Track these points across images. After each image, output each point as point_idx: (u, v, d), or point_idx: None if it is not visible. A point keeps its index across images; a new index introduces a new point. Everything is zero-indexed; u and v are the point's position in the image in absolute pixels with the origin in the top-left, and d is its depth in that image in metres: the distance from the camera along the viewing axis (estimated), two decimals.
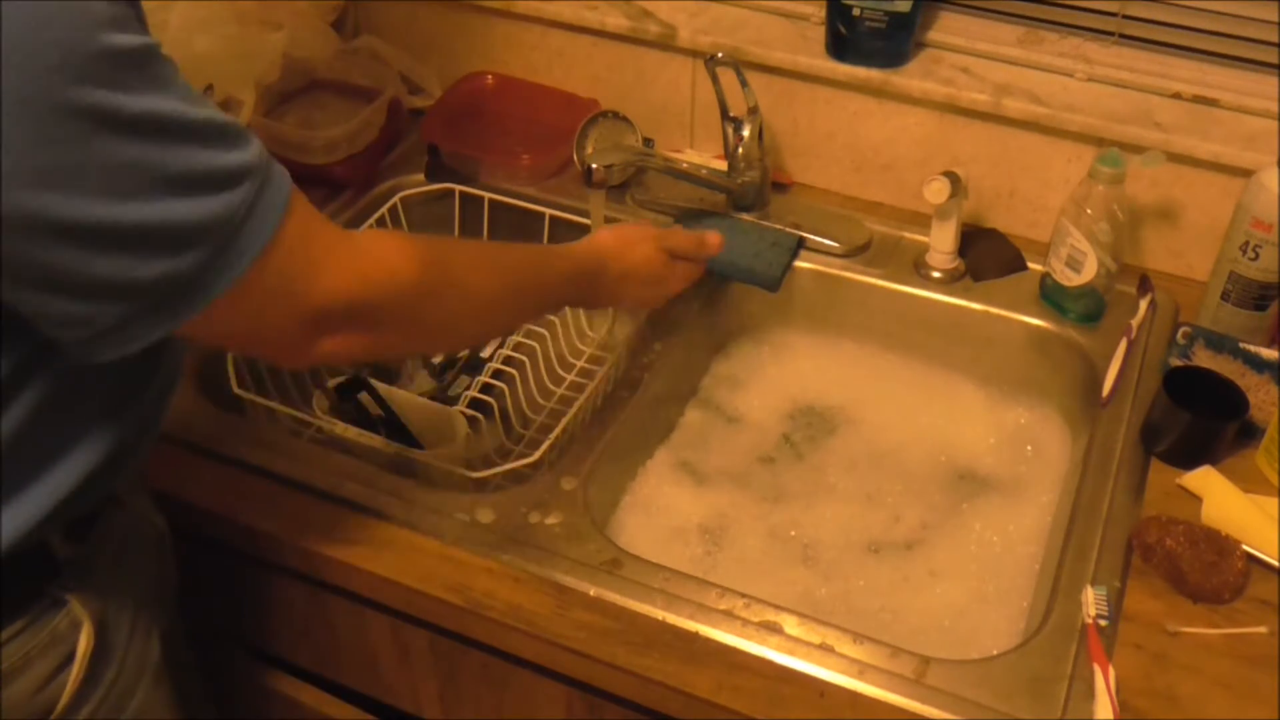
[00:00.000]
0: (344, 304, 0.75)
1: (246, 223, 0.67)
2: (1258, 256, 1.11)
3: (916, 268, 1.27)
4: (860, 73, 1.29)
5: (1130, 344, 1.16)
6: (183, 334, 0.71)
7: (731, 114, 1.28)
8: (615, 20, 1.37)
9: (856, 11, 1.26)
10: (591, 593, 0.93)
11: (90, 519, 0.82)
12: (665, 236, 1.12)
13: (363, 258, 0.77)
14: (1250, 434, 1.05)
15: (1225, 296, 1.15)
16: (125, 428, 0.80)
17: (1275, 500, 0.99)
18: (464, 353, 1.26)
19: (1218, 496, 0.99)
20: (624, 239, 1.08)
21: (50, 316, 0.66)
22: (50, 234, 0.61)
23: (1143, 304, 1.21)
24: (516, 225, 1.38)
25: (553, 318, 1.32)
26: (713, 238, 1.18)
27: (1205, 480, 1.01)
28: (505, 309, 0.95)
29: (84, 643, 0.81)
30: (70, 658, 0.80)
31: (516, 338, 1.24)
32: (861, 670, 0.88)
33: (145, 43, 0.63)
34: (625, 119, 1.37)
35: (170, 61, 0.65)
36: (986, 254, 1.28)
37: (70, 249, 0.62)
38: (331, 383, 1.15)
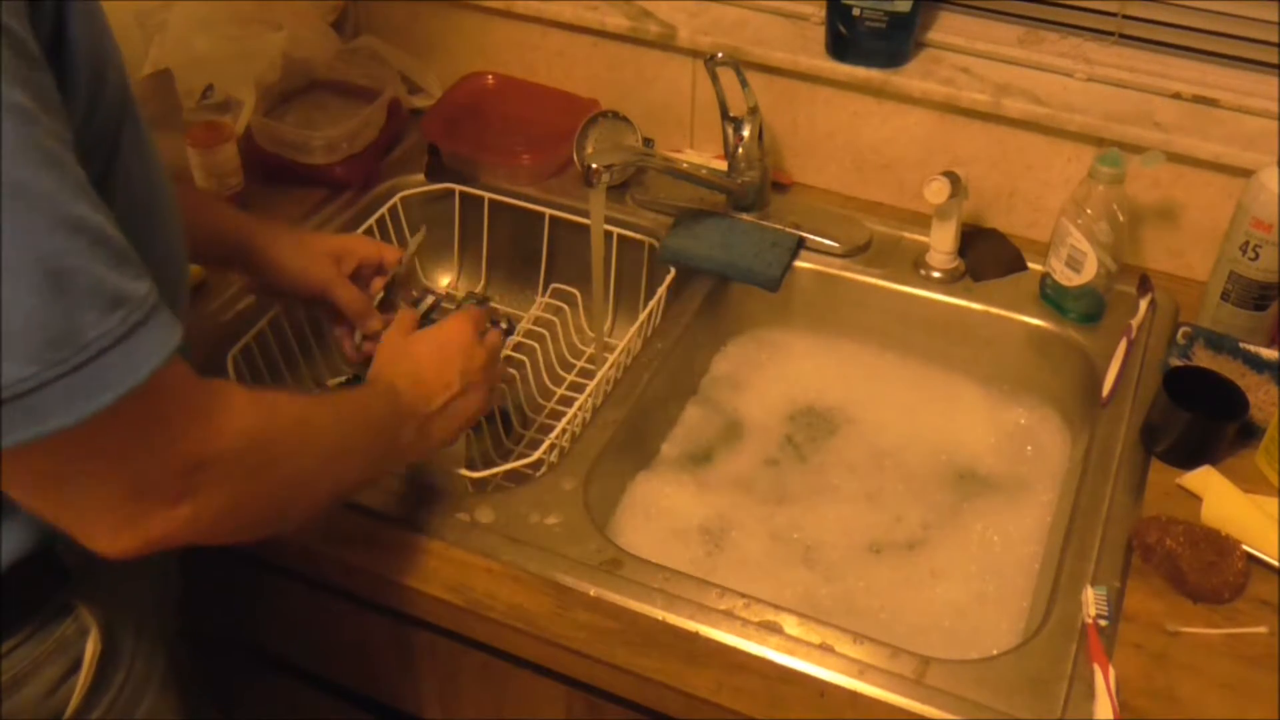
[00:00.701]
0: (187, 463, 0.67)
1: (102, 358, 0.60)
2: (1258, 256, 1.11)
3: (916, 268, 1.27)
4: (860, 73, 1.29)
5: (1130, 344, 1.16)
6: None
7: (731, 114, 1.28)
8: (615, 20, 1.37)
9: (856, 11, 1.26)
10: (591, 593, 0.93)
11: None
12: (463, 320, 0.99)
13: (214, 411, 0.69)
14: (1250, 434, 1.05)
15: (1225, 296, 1.15)
16: None
17: (1275, 500, 0.99)
18: None
19: (1218, 496, 0.99)
20: (388, 356, 0.95)
21: None
22: None
23: (1143, 304, 1.21)
24: (517, 225, 1.38)
25: (552, 317, 1.32)
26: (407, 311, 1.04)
27: (1205, 480, 1.01)
28: (343, 446, 0.83)
29: (91, 648, 0.80)
30: (78, 664, 0.80)
31: (516, 338, 1.24)
32: (861, 670, 0.88)
33: (47, 118, 0.58)
34: (625, 119, 1.37)
35: (73, 155, 0.60)
36: (986, 254, 1.28)
37: None
38: (332, 382, 1.15)
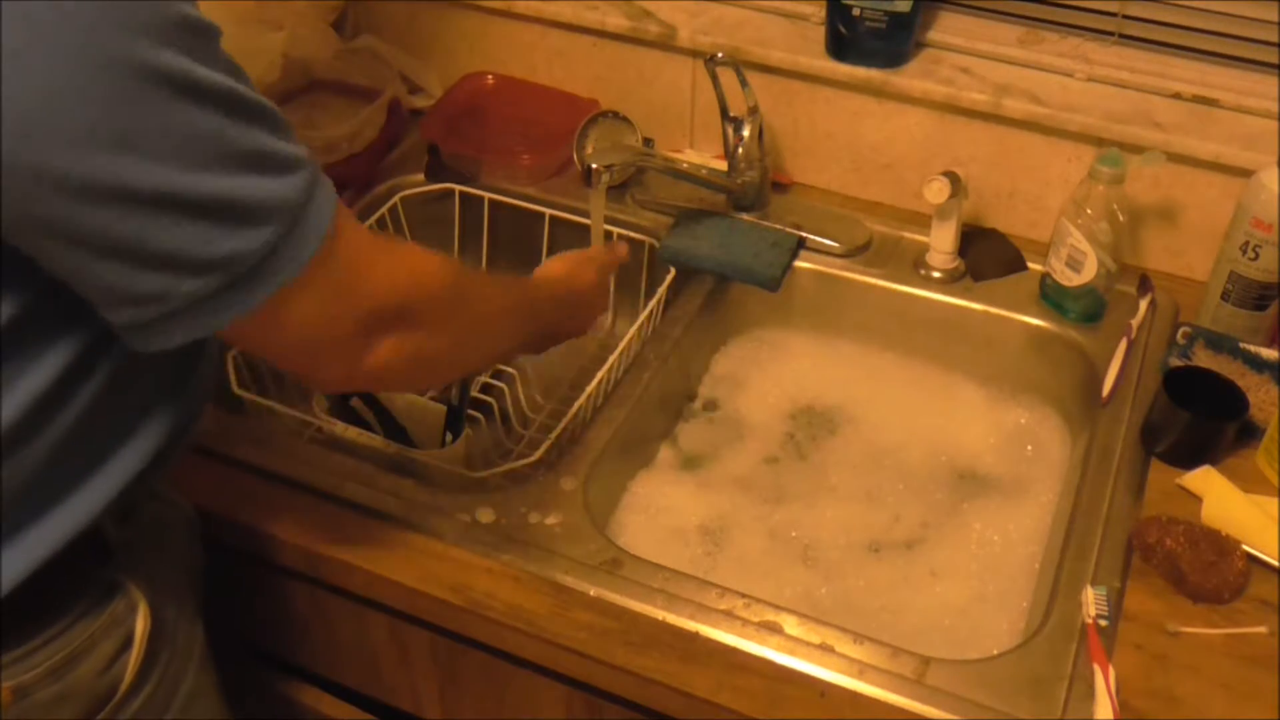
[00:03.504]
0: (398, 301, 0.76)
1: (307, 210, 0.68)
2: (1258, 256, 1.11)
3: (916, 268, 1.27)
4: (860, 73, 1.29)
5: (1130, 344, 1.16)
6: (243, 338, 0.72)
7: (731, 114, 1.28)
8: (615, 20, 1.37)
9: (856, 11, 1.26)
10: (591, 593, 0.93)
11: (132, 503, 0.84)
12: (594, 259, 1.12)
13: (408, 257, 0.79)
14: (1250, 434, 1.05)
15: (1225, 296, 1.15)
16: (177, 417, 0.81)
17: (1275, 500, 0.99)
18: None
19: (1218, 496, 0.99)
20: (572, 265, 1.09)
21: (121, 293, 0.66)
22: (126, 200, 0.61)
23: (1143, 304, 1.21)
24: (517, 225, 1.38)
25: None
26: (620, 247, 1.18)
27: (1205, 480, 1.01)
28: (513, 321, 0.96)
29: (141, 624, 0.83)
30: (129, 640, 0.82)
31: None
32: (861, 670, 0.88)
33: (213, 25, 0.65)
34: (625, 119, 1.37)
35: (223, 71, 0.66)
36: (986, 254, 1.28)
37: (144, 217, 0.62)
38: None
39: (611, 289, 1.15)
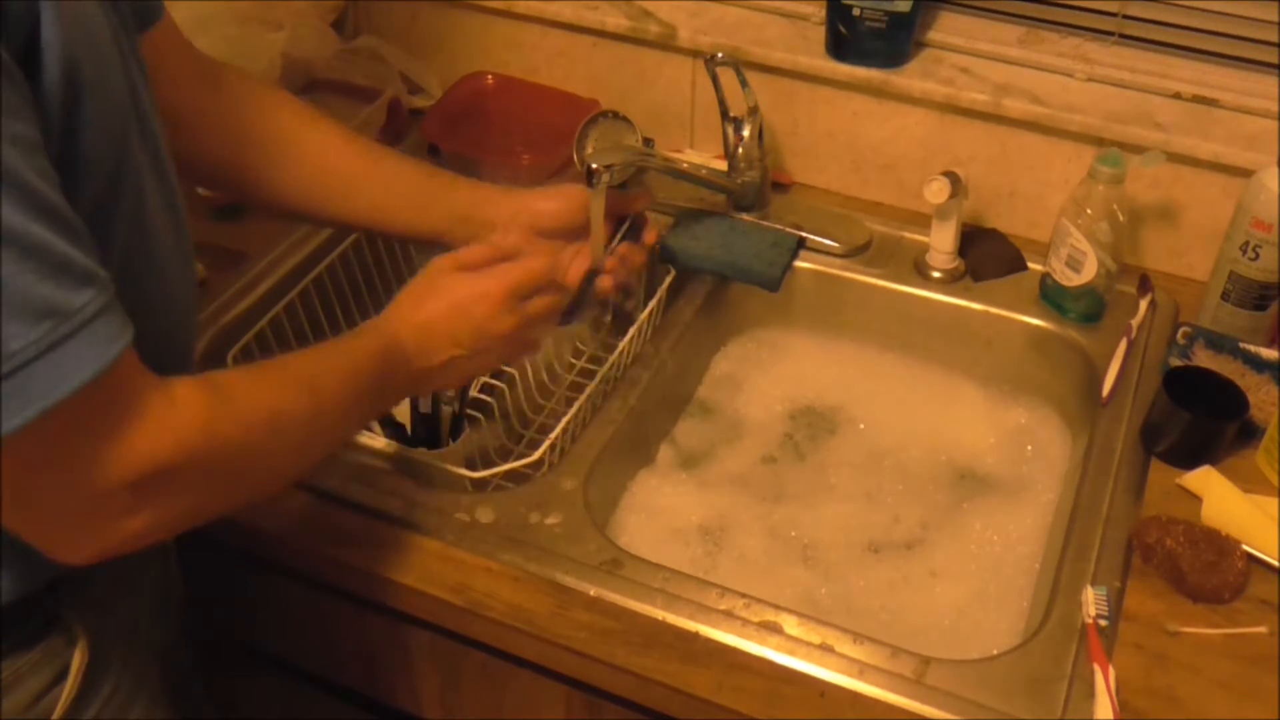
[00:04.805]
0: (146, 471, 0.65)
1: (27, 369, 0.58)
2: (1258, 256, 1.11)
3: (916, 268, 1.27)
4: (860, 73, 1.29)
5: (1130, 344, 1.16)
6: None
7: (731, 114, 1.28)
8: (615, 20, 1.37)
9: (856, 11, 1.26)
10: (591, 593, 0.93)
11: None
12: (502, 281, 0.93)
13: (172, 418, 0.67)
14: (1250, 434, 1.05)
15: (1225, 296, 1.15)
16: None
17: (1275, 500, 0.99)
18: None
19: (1218, 496, 0.99)
20: (418, 289, 0.92)
21: None
22: None
23: (1143, 304, 1.21)
24: None
25: None
26: (578, 266, 1.03)
27: (1205, 480, 1.01)
28: (321, 426, 0.81)
29: (78, 659, 0.79)
30: (64, 674, 0.79)
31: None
32: (861, 670, 0.88)
33: None
34: (625, 119, 1.37)
35: (34, 159, 0.59)
36: (986, 254, 1.28)
37: None
38: None
39: (544, 311, 0.97)
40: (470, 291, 0.92)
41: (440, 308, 0.91)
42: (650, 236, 1.12)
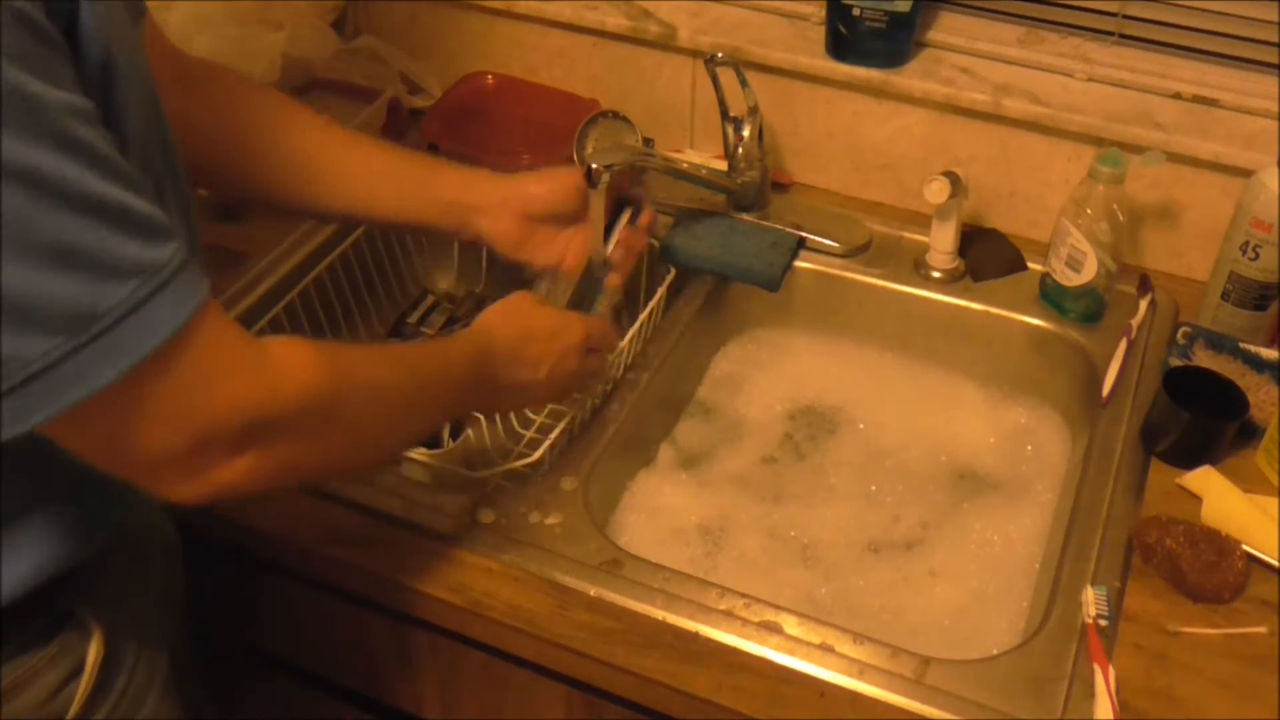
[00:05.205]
0: (245, 420, 0.68)
1: (121, 325, 0.61)
2: (1258, 256, 1.11)
3: (916, 268, 1.27)
4: (860, 73, 1.29)
5: (1130, 344, 1.16)
6: (67, 443, 0.65)
7: (731, 114, 1.28)
8: (615, 20, 1.37)
9: (856, 11, 1.26)
10: (591, 593, 0.93)
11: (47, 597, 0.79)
12: (583, 326, 0.99)
13: (267, 368, 0.70)
14: (1250, 434, 1.05)
15: (1225, 296, 1.15)
16: (82, 519, 0.77)
17: (1275, 500, 0.99)
18: None
19: (1218, 496, 0.99)
20: (509, 309, 0.97)
21: None
22: None
23: (1143, 304, 1.21)
24: None
25: None
26: (613, 336, 1.07)
27: (1205, 480, 1.01)
28: (424, 402, 0.86)
29: (93, 653, 0.80)
30: (79, 669, 0.79)
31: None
32: (861, 670, 0.88)
33: (60, 98, 0.58)
34: (625, 119, 1.37)
35: (96, 129, 0.61)
36: (986, 254, 1.28)
37: None
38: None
39: (593, 371, 1.03)
40: (556, 326, 0.98)
41: (530, 331, 0.95)
42: (646, 218, 1.12)
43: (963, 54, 1.30)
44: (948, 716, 0.85)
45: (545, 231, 1.08)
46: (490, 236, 1.07)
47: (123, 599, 0.83)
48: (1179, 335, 1.15)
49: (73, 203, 0.59)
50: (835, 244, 1.29)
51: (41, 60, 0.58)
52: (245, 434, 0.68)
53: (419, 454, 1.07)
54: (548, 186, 1.07)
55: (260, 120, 1.00)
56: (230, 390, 0.67)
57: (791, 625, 0.91)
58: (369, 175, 1.04)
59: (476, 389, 0.92)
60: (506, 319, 0.96)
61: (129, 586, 0.85)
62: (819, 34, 1.32)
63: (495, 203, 1.06)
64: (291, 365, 0.71)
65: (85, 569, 0.79)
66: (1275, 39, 1.19)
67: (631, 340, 1.16)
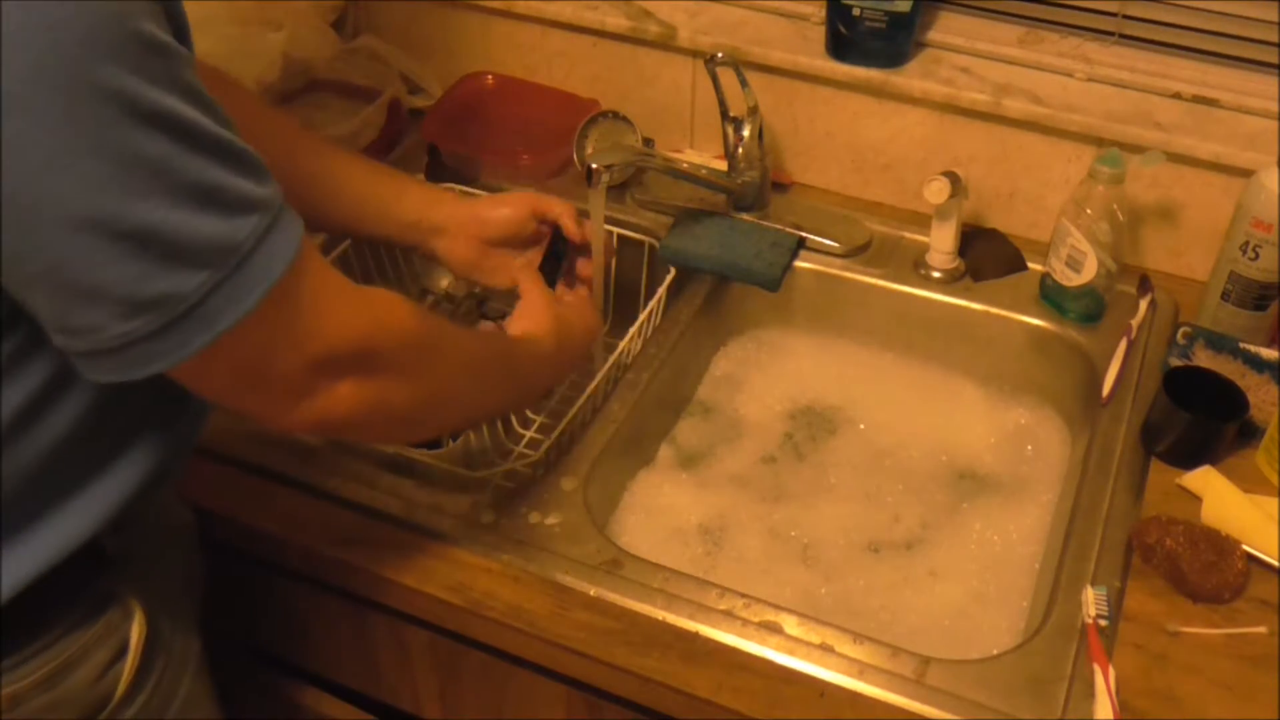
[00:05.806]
0: (354, 344, 0.73)
1: (254, 255, 0.65)
2: (1258, 256, 1.11)
3: (916, 268, 1.27)
4: (860, 73, 1.29)
5: (1130, 344, 1.16)
6: (186, 377, 0.68)
7: (731, 114, 1.28)
8: (615, 20, 1.37)
9: (856, 11, 1.26)
10: (591, 593, 0.93)
11: (133, 514, 0.83)
12: (597, 317, 1.10)
13: (373, 303, 0.76)
14: (1250, 434, 1.05)
15: (1225, 296, 1.15)
16: (177, 430, 0.81)
17: (1275, 500, 0.99)
18: None
19: (1218, 496, 0.99)
20: (555, 318, 1.02)
21: (53, 320, 0.64)
22: (57, 221, 0.58)
23: (1143, 304, 1.21)
24: None
25: None
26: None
27: (1205, 480, 1.01)
28: (495, 376, 0.92)
29: (137, 632, 0.82)
30: (124, 649, 0.82)
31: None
32: (861, 670, 0.88)
33: (179, 47, 0.61)
34: (625, 119, 1.37)
35: (199, 86, 0.64)
36: (986, 254, 1.28)
37: (72, 241, 0.59)
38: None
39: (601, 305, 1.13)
40: (585, 323, 1.07)
41: (563, 315, 1.02)
42: (583, 268, 1.15)
43: (963, 54, 1.30)
44: (948, 716, 0.85)
45: (500, 255, 1.11)
46: (445, 257, 1.11)
47: (155, 582, 0.86)
48: (1179, 335, 1.15)
49: (205, 144, 0.62)
50: (835, 244, 1.29)
51: (155, 13, 0.61)
52: (353, 360, 0.73)
53: (419, 454, 1.07)
54: (505, 212, 1.11)
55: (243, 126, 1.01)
56: (342, 317, 0.73)
57: (791, 625, 0.91)
58: (335, 190, 1.06)
59: (537, 380, 1.01)
60: (559, 324, 1.01)
61: (159, 570, 0.87)
62: (819, 34, 1.32)
63: (453, 225, 1.09)
64: (396, 307, 0.78)
65: (121, 553, 0.81)
66: (1275, 39, 1.19)
67: (631, 340, 1.16)
